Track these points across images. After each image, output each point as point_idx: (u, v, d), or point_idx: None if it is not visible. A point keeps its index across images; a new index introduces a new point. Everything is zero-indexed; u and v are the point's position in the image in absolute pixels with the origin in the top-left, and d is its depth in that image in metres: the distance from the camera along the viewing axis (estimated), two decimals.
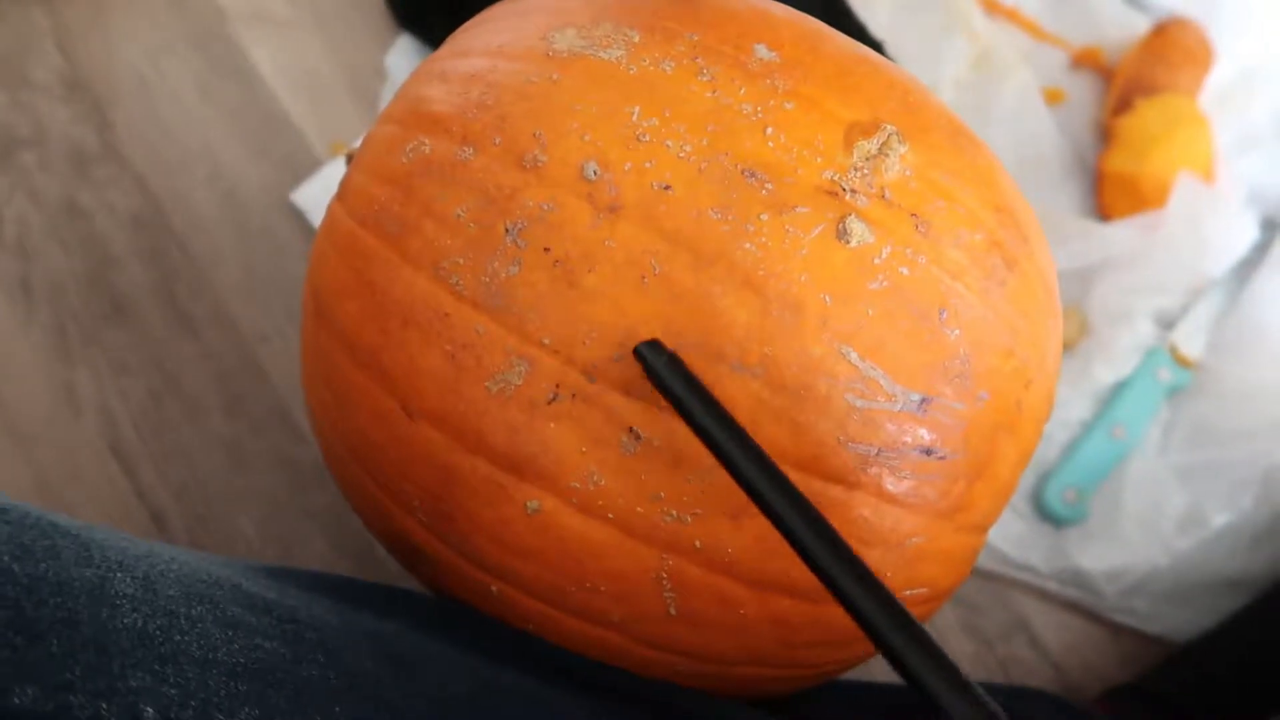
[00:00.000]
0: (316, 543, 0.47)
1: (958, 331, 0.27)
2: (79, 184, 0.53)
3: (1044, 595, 0.49)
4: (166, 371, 0.49)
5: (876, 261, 0.27)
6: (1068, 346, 0.53)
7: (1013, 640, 0.48)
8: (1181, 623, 0.48)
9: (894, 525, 0.28)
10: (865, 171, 0.27)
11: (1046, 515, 0.49)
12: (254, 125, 0.54)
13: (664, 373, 0.25)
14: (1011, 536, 0.49)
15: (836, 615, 0.29)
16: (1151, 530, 0.48)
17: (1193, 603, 0.48)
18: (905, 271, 0.27)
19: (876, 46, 0.56)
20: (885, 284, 0.27)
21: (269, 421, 0.48)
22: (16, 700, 0.19)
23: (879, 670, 0.46)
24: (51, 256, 0.51)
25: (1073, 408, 0.52)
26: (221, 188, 0.53)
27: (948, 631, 0.48)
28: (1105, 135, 0.57)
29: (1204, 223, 0.53)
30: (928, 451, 0.28)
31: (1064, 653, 0.48)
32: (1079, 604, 0.49)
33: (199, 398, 0.49)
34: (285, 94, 0.55)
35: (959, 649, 0.48)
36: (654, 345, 0.26)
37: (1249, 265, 0.54)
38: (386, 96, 0.55)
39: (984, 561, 0.49)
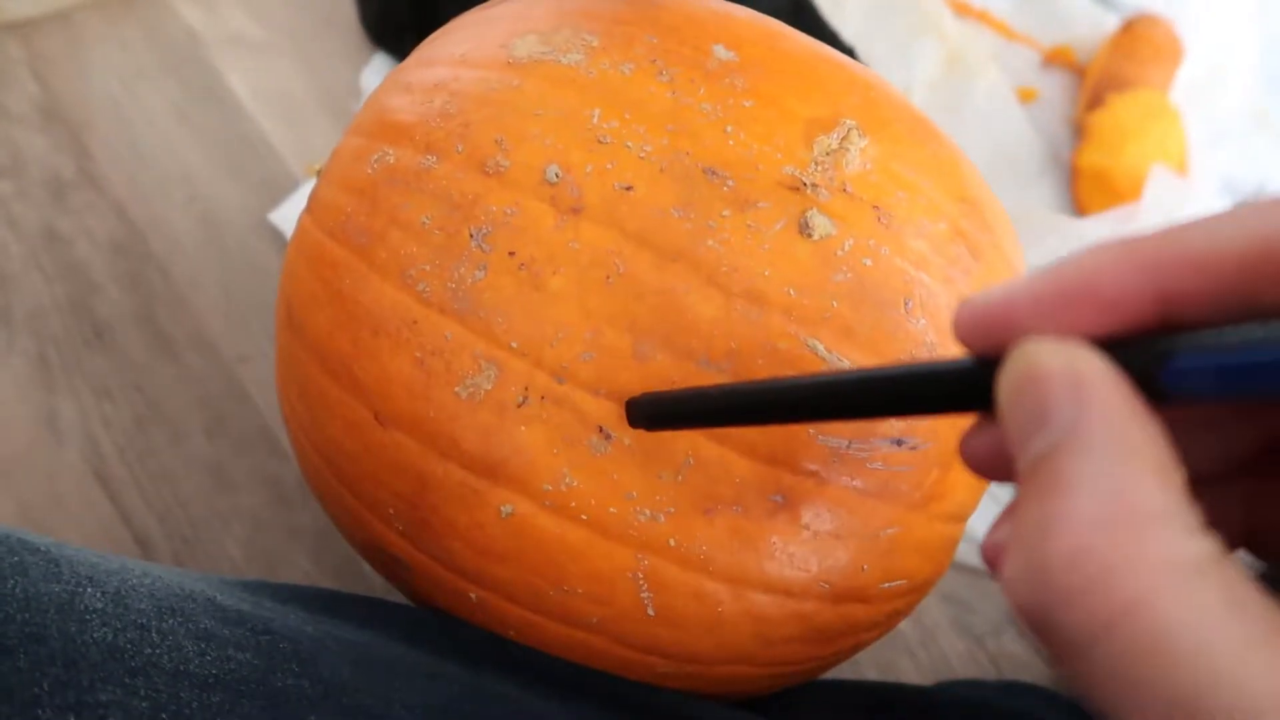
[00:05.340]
0: (302, 561, 0.46)
1: (923, 321, 0.28)
2: (58, 211, 0.53)
3: None
4: (148, 395, 0.49)
5: (839, 254, 0.27)
6: None
7: (1003, 636, 0.48)
8: None
9: (868, 517, 0.28)
10: (826, 166, 0.28)
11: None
12: (231, 148, 0.55)
13: (654, 409, 0.25)
14: None
15: (812, 610, 0.29)
16: None
17: None
18: (868, 263, 0.27)
19: (848, 52, 0.57)
20: (849, 276, 0.27)
21: (252, 441, 0.48)
22: None
23: (867, 668, 0.46)
24: (31, 284, 0.51)
25: None
26: (199, 210, 0.53)
27: (938, 630, 0.48)
28: (1079, 131, 0.58)
29: (1178, 214, 0.53)
30: (898, 442, 0.28)
31: None
32: None
33: (181, 420, 0.49)
34: (261, 116, 0.55)
35: (951, 647, 0.48)
36: (632, 403, 0.26)
37: None
38: None
39: (971, 557, 0.49)
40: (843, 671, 0.43)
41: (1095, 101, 0.57)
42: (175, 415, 0.49)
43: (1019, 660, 0.48)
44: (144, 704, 0.21)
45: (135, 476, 0.47)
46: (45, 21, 0.56)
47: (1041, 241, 0.53)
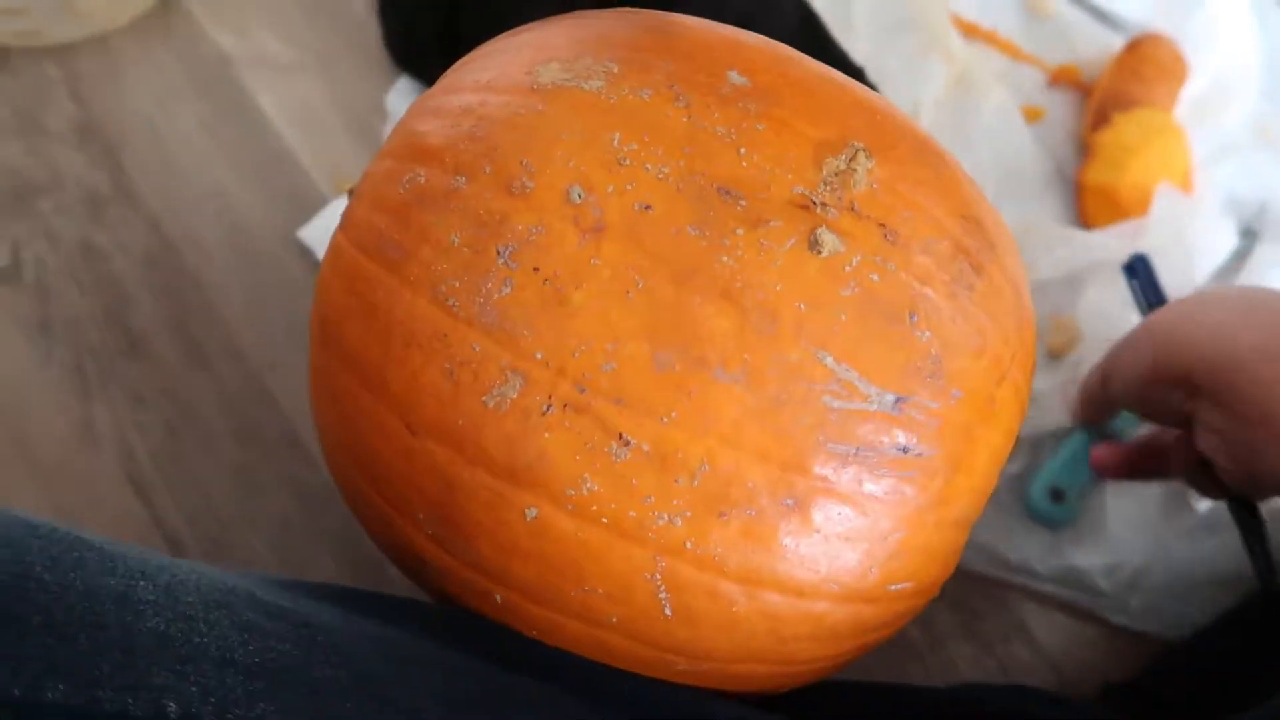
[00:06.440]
0: (327, 564, 0.48)
1: (928, 333, 0.29)
2: (94, 226, 0.55)
3: (1041, 597, 0.50)
4: (181, 403, 0.51)
5: (847, 270, 0.28)
6: (1060, 354, 0.54)
7: (1011, 642, 0.49)
8: (1176, 621, 0.49)
9: (875, 521, 0.29)
10: (834, 186, 0.29)
11: (1034, 516, 0.50)
12: (260, 166, 0.57)
13: None
14: (1007, 538, 0.50)
15: (823, 610, 0.30)
16: (1140, 524, 0.49)
17: (1187, 601, 0.49)
18: (875, 278, 0.29)
19: (857, 73, 0.58)
20: (857, 290, 0.28)
21: (279, 447, 0.50)
22: (49, 695, 0.20)
23: (877, 673, 0.47)
24: (69, 296, 0.53)
25: (1065, 414, 0.53)
26: (230, 226, 0.55)
27: (947, 635, 0.49)
28: (1084, 150, 0.59)
29: (1185, 230, 0.54)
30: (904, 449, 0.29)
31: (1062, 653, 0.49)
32: (1076, 605, 0.50)
33: (212, 427, 0.51)
34: (290, 135, 0.57)
35: (958, 652, 0.49)
36: None
37: (1229, 271, 0.56)
38: (387, 135, 0.57)
39: (981, 565, 0.50)
40: (853, 677, 0.45)
41: (1100, 120, 0.58)
42: (206, 422, 0.51)
43: (1027, 666, 0.49)
44: (194, 688, 0.22)
45: (167, 481, 0.49)
46: (83, 44, 0.58)
47: (1051, 254, 0.55)
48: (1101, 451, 0.46)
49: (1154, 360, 0.38)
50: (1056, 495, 0.49)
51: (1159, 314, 0.41)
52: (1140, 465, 0.45)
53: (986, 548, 0.50)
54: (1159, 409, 0.40)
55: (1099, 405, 0.45)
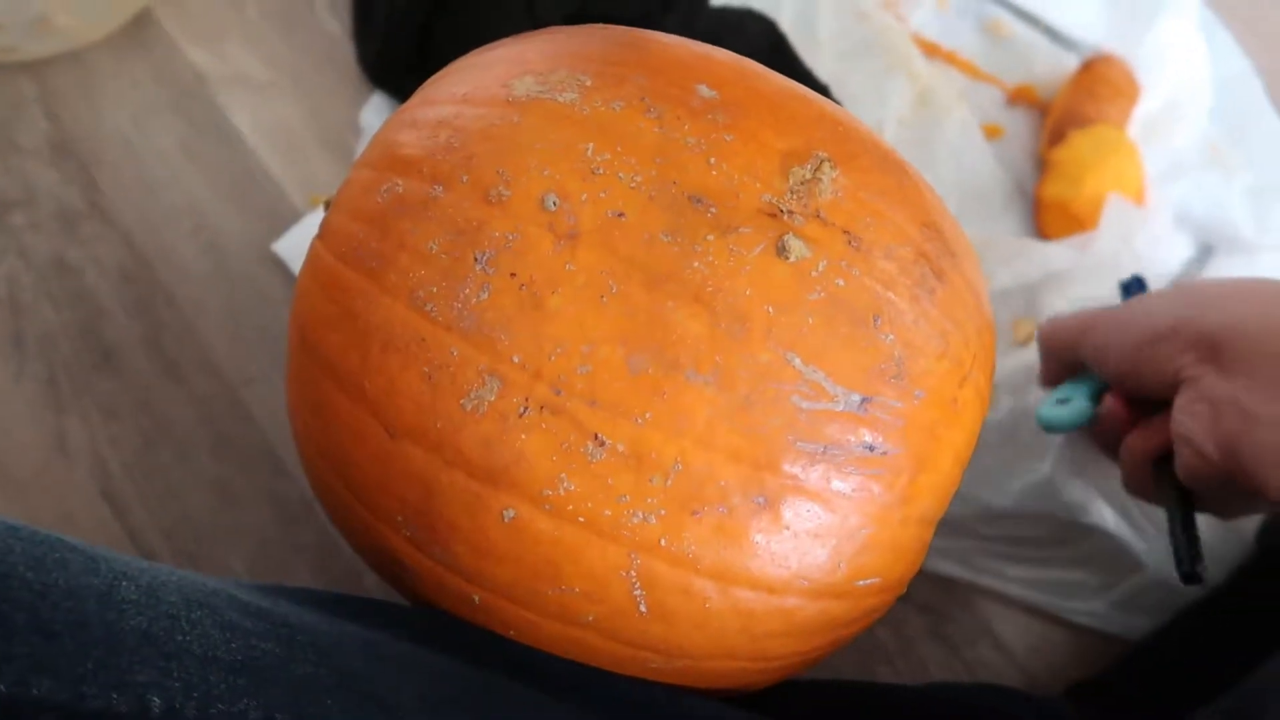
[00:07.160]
0: (304, 577, 0.48)
1: (892, 336, 0.30)
2: (68, 242, 0.55)
3: (1007, 600, 0.51)
4: (155, 416, 0.51)
5: (814, 275, 0.29)
6: (1026, 344, 0.56)
7: (978, 644, 0.50)
8: (1137, 624, 0.50)
9: (844, 518, 0.30)
10: (801, 194, 0.30)
11: (1047, 426, 0.47)
12: (235, 181, 0.57)
13: None
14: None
15: (793, 605, 0.31)
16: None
17: (1147, 606, 0.50)
18: (841, 283, 0.30)
19: (822, 90, 0.60)
20: (823, 295, 0.29)
21: (255, 460, 0.50)
22: (35, 691, 0.21)
23: (847, 675, 0.48)
24: (42, 311, 0.53)
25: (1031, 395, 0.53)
26: (205, 241, 0.56)
27: (916, 638, 0.50)
28: (1042, 166, 0.61)
29: (1135, 238, 0.56)
30: (870, 448, 0.30)
31: (1028, 654, 0.50)
32: (1041, 608, 0.51)
33: (187, 440, 0.51)
34: (265, 151, 0.58)
35: (927, 654, 0.50)
36: None
37: (1182, 282, 0.58)
38: (361, 151, 0.57)
39: (949, 567, 0.51)
40: (824, 671, 0.45)
41: (1057, 137, 0.60)
42: (181, 435, 0.51)
43: (994, 667, 0.50)
44: (177, 684, 0.23)
45: (142, 494, 0.49)
46: (58, 61, 0.58)
47: (1010, 265, 0.56)
48: (1114, 402, 0.44)
49: (1177, 316, 0.37)
50: (1062, 403, 0.46)
51: (1192, 281, 0.41)
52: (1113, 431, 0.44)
53: (955, 547, 0.51)
54: (1148, 374, 0.38)
55: (1064, 354, 0.43)
